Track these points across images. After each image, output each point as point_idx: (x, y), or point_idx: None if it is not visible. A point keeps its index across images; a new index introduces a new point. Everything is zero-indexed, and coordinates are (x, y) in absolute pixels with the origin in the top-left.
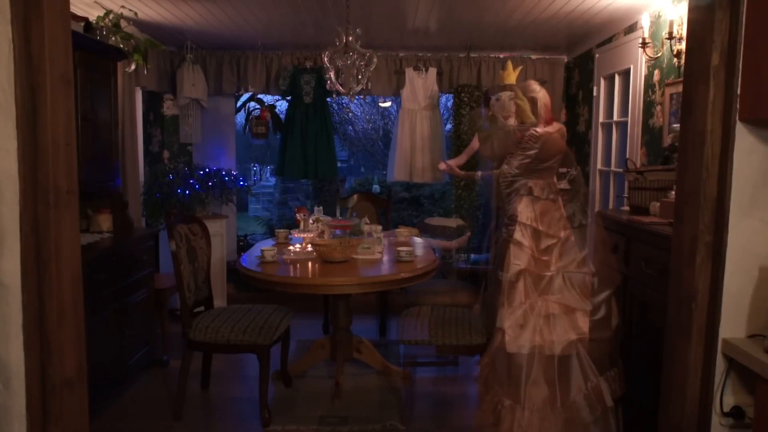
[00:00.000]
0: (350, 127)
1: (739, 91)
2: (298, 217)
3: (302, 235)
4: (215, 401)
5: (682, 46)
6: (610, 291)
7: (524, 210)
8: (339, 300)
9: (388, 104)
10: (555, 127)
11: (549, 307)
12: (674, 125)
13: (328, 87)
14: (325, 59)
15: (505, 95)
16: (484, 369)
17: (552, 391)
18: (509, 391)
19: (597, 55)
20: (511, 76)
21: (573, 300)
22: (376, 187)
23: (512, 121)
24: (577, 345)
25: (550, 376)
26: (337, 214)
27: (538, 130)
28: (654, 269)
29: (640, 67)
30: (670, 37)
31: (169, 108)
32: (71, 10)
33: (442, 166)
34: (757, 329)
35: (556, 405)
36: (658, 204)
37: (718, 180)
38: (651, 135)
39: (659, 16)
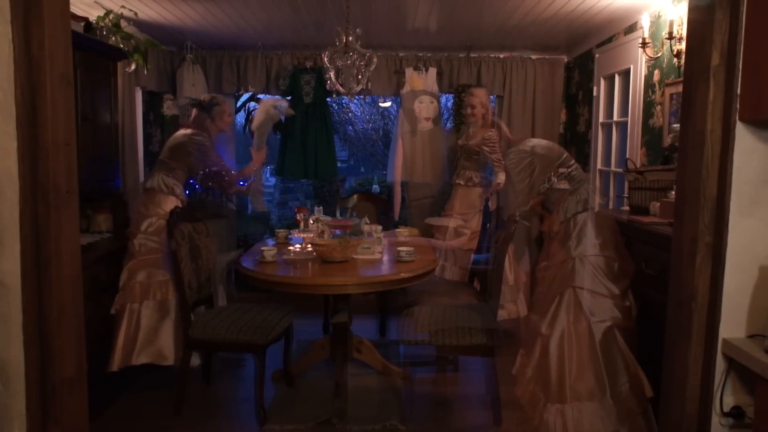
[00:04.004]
0: (350, 127)
1: (739, 91)
2: (298, 217)
3: (302, 235)
4: (216, 399)
5: (682, 46)
6: (629, 279)
7: None
8: (339, 300)
9: (388, 104)
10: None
11: (578, 295)
12: (674, 125)
13: (328, 87)
14: (325, 59)
15: (427, 98)
16: (528, 384)
17: (594, 381)
18: (554, 393)
19: (597, 55)
20: (418, 81)
21: (600, 285)
22: (376, 187)
23: (430, 124)
24: (614, 330)
25: (591, 365)
26: (337, 214)
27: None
28: (654, 269)
29: (640, 67)
30: (670, 37)
31: (169, 108)
32: (71, 10)
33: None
34: (757, 329)
35: (605, 397)
36: (658, 204)
37: (718, 180)
38: (651, 135)
39: (659, 16)
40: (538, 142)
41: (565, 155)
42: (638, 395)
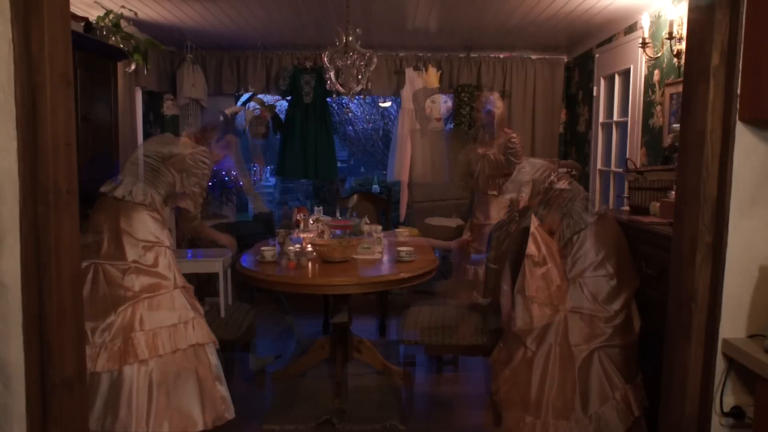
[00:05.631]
0: (350, 127)
1: (739, 91)
2: (298, 217)
3: (302, 235)
4: None
5: (682, 46)
6: (629, 293)
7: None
8: (339, 300)
9: (388, 104)
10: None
11: (567, 316)
12: (674, 125)
13: (328, 87)
14: (325, 59)
15: (439, 98)
16: (504, 383)
17: (573, 403)
18: (530, 406)
19: (597, 55)
20: (435, 79)
21: (592, 307)
22: (376, 187)
23: (441, 124)
24: (599, 353)
25: (572, 387)
26: (337, 214)
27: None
28: (654, 269)
29: (640, 67)
30: (670, 37)
31: (169, 108)
32: (71, 10)
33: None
34: (757, 329)
35: (581, 418)
36: (658, 204)
37: (718, 180)
38: (651, 135)
39: (659, 16)
40: (512, 182)
41: (549, 181)
42: (623, 414)
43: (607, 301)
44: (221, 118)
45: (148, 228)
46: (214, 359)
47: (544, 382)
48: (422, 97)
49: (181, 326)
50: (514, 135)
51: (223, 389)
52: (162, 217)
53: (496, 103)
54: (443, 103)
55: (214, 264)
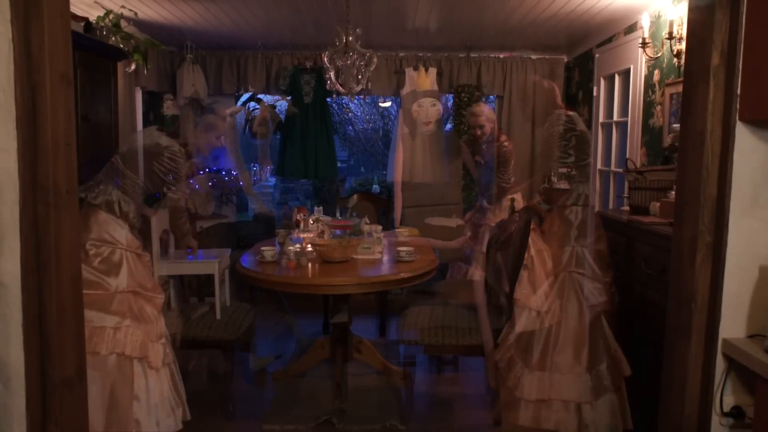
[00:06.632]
0: (350, 127)
1: (739, 91)
2: (298, 217)
3: (302, 235)
4: (214, 399)
5: (682, 46)
6: (612, 275)
7: None
8: (339, 300)
9: (388, 104)
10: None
11: (573, 278)
12: (674, 125)
13: (328, 87)
14: (325, 59)
15: (427, 101)
16: (507, 351)
17: (579, 358)
18: (534, 362)
19: (597, 55)
20: (427, 81)
21: (594, 272)
22: (376, 187)
23: (431, 127)
24: (601, 314)
25: (580, 345)
26: (337, 214)
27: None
28: (654, 269)
29: (640, 67)
30: (670, 37)
31: (169, 108)
32: (71, 10)
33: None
34: (757, 329)
35: (583, 373)
36: (658, 204)
37: (718, 180)
38: (651, 135)
39: (659, 16)
40: (555, 126)
41: (549, 181)
42: (614, 374)
43: (602, 270)
44: (208, 113)
45: (100, 227)
46: (141, 377)
47: (549, 337)
48: (409, 101)
49: (110, 330)
50: (506, 141)
51: (147, 411)
52: (124, 218)
53: (489, 116)
54: (432, 106)
55: (210, 265)
